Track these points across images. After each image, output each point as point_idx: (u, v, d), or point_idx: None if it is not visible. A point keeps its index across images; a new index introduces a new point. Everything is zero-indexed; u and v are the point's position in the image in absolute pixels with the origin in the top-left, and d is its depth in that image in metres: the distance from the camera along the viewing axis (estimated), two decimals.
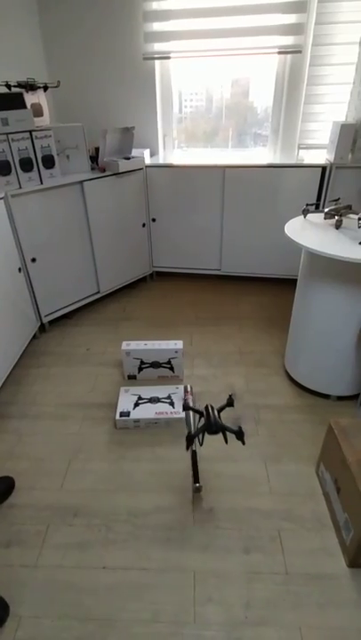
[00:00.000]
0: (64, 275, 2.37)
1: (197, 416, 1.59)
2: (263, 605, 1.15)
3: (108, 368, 2.12)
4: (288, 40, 2.36)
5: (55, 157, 2.08)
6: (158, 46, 2.51)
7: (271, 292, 2.81)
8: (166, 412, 1.74)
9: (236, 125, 2.86)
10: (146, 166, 2.55)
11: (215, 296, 2.79)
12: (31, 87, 2.18)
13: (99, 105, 2.77)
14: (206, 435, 1.39)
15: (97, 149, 2.37)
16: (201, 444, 1.61)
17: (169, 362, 1.97)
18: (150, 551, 1.29)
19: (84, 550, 1.30)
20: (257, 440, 1.67)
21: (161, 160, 2.66)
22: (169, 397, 1.82)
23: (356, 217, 1.75)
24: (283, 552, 1.28)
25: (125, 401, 1.81)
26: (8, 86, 2.11)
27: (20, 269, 2.09)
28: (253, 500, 1.44)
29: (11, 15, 2.32)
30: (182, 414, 1.73)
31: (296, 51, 2.39)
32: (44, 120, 2.32)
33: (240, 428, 1.40)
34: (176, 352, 1.93)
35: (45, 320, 2.38)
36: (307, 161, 2.44)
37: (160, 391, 1.86)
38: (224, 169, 2.46)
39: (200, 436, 1.43)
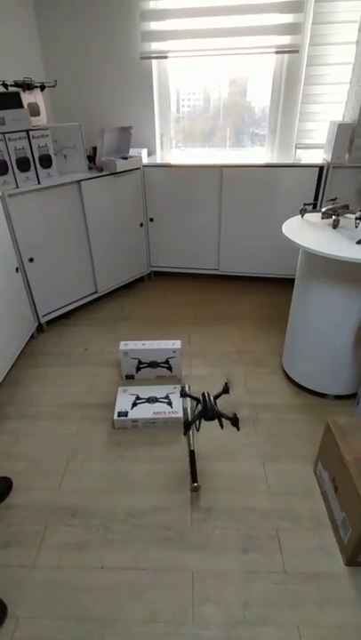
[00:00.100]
0: (62, 275, 2.36)
1: (195, 403, 1.62)
2: (262, 605, 1.15)
3: (105, 368, 2.12)
4: (285, 40, 2.36)
5: (52, 157, 2.08)
6: (155, 46, 2.51)
7: (269, 291, 2.82)
8: (164, 412, 1.74)
9: (234, 125, 2.86)
10: (143, 166, 2.55)
11: (213, 296, 2.79)
12: (28, 86, 2.18)
13: (96, 104, 2.77)
14: (204, 432, 1.40)
15: (94, 149, 2.37)
16: (198, 430, 1.66)
17: (167, 362, 1.97)
18: (148, 551, 1.29)
19: (83, 550, 1.30)
20: (255, 439, 1.68)
21: (158, 160, 2.66)
22: (167, 397, 1.82)
23: (353, 216, 1.75)
24: (281, 551, 1.28)
25: (123, 401, 1.81)
26: (5, 85, 2.11)
27: (17, 269, 2.09)
28: (251, 499, 1.44)
29: (7, 14, 2.31)
30: (180, 414, 1.73)
31: (293, 50, 2.39)
32: (41, 119, 2.32)
33: (235, 414, 1.46)
34: (174, 352, 1.93)
35: (43, 320, 2.37)
36: (304, 160, 2.44)
37: (158, 391, 1.86)
38: (222, 168, 2.46)
39: (197, 422, 1.48)
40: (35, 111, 2.24)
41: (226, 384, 1.61)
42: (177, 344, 1.93)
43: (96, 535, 1.34)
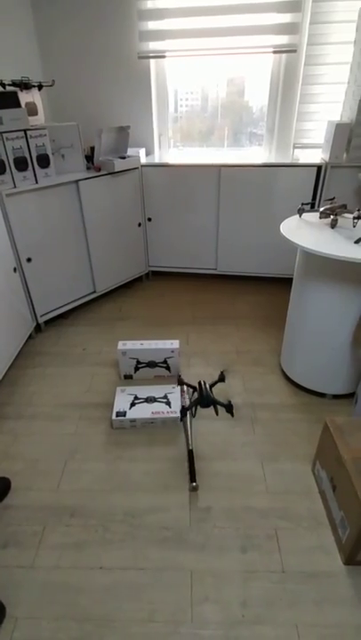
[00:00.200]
0: (60, 274, 2.36)
1: (191, 390, 1.71)
2: (260, 604, 1.15)
3: (104, 368, 2.12)
4: (283, 39, 2.36)
5: (50, 157, 2.07)
6: (153, 45, 2.50)
7: (268, 291, 2.82)
8: (163, 412, 1.74)
9: (232, 124, 2.86)
10: (141, 165, 2.55)
11: (212, 295, 2.79)
12: (25, 86, 2.17)
13: (94, 104, 2.77)
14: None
15: (92, 148, 2.36)
16: (194, 416, 1.73)
17: (165, 361, 1.97)
18: (147, 551, 1.29)
19: (81, 550, 1.29)
20: (253, 439, 1.68)
21: (157, 159, 2.66)
22: (165, 397, 1.82)
23: (351, 216, 1.75)
24: (279, 550, 1.28)
25: (122, 401, 1.81)
26: (2, 85, 2.10)
27: (15, 269, 2.08)
28: (250, 498, 1.44)
29: (5, 13, 2.31)
30: (179, 414, 1.73)
31: (291, 50, 2.39)
32: (39, 119, 2.31)
33: (229, 401, 1.53)
34: (172, 351, 1.93)
35: (41, 320, 2.37)
36: (302, 160, 2.45)
37: (156, 391, 1.86)
38: (220, 168, 2.46)
39: (193, 408, 1.55)
40: (32, 111, 2.23)
41: (222, 372, 1.67)
42: (175, 344, 1.93)
43: (95, 535, 1.34)
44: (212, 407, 1.51)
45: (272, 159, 2.55)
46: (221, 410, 1.81)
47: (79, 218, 2.33)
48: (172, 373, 2.01)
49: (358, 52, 2.17)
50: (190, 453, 1.59)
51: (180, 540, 1.32)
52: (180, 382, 1.75)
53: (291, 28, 2.32)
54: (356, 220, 1.66)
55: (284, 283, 2.64)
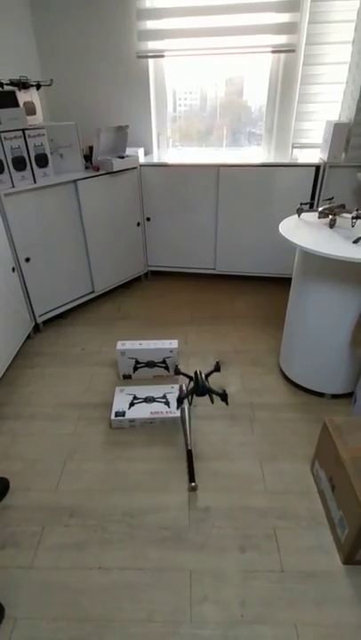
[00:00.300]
0: (58, 274, 2.36)
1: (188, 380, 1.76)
2: (259, 603, 1.15)
3: (102, 368, 2.11)
4: (282, 39, 2.36)
5: (48, 156, 2.07)
6: (152, 44, 2.50)
7: (266, 290, 2.82)
8: (161, 412, 1.74)
9: (231, 124, 2.86)
10: (140, 165, 2.54)
11: (210, 295, 2.79)
12: (24, 85, 2.16)
13: (92, 103, 2.76)
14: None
15: (91, 148, 2.36)
16: (190, 404, 1.78)
17: (164, 361, 1.97)
18: (146, 551, 1.29)
19: (80, 551, 1.29)
20: (252, 439, 1.68)
21: (155, 159, 2.66)
22: (164, 397, 1.82)
23: (349, 216, 1.75)
24: (278, 550, 1.28)
25: (121, 401, 1.81)
26: (0, 84, 2.09)
27: (13, 269, 2.08)
28: (249, 498, 1.44)
29: (3, 13, 2.30)
30: (178, 413, 1.73)
31: (290, 50, 2.39)
32: (37, 118, 2.31)
33: (224, 390, 1.59)
34: (171, 351, 1.93)
35: (40, 320, 2.36)
36: (301, 160, 2.45)
37: (155, 391, 1.86)
38: (218, 168, 2.46)
39: (189, 397, 1.61)
40: (31, 110, 2.23)
41: (217, 362, 1.71)
42: (174, 344, 1.93)
43: (94, 535, 1.33)
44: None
45: (271, 159, 2.55)
46: (220, 409, 1.82)
47: (78, 217, 2.33)
48: (171, 373, 2.01)
49: (357, 52, 2.17)
50: (189, 453, 1.59)
51: (179, 539, 1.32)
52: (177, 372, 1.81)
53: (289, 28, 2.32)
54: (354, 220, 1.67)
55: (283, 282, 2.65)
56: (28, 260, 2.16)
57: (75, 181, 2.22)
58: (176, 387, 1.89)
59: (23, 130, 1.93)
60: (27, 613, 1.14)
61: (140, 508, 1.41)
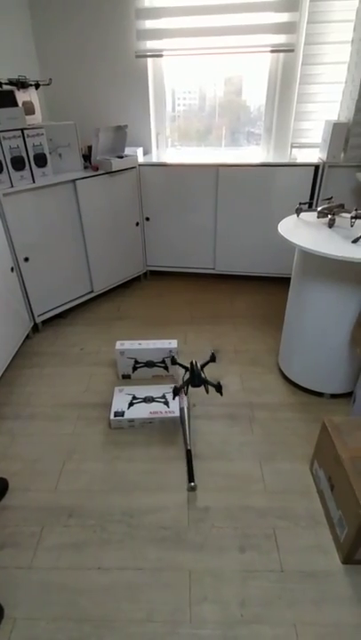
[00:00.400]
0: (57, 274, 2.35)
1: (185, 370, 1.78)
2: (259, 603, 1.15)
3: (102, 368, 2.11)
4: (280, 39, 2.36)
5: (47, 156, 2.06)
6: (151, 44, 2.50)
7: (266, 290, 2.82)
8: (161, 412, 1.74)
9: (230, 124, 2.86)
10: (139, 165, 2.54)
11: (210, 295, 2.79)
12: (22, 85, 2.16)
13: (91, 103, 2.76)
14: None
15: (90, 148, 2.36)
16: (186, 394, 1.82)
17: (163, 361, 1.97)
18: (146, 551, 1.29)
19: (79, 551, 1.29)
20: (251, 438, 1.68)
21: (154, 159, 2.65)
22: (163, 397, 1.82)
23: (348, 216, 1.76)
24: (278, 550, 1.28)
25: (120, 401, 1.81)
26: None
27: (12, 269, 2.08)
28: (248, 498, 1.44)
29: (2, 12, 2.29)
30: (177, 413, 1.73)
31: (289, 49, 2.39)
32: (36, 118, 2.30)
33: (219, 382, 1.62)
34: (170, 351, 1.93)
35: (39, 320, 2.36)
36: (300, 160, 2.45)
37: (154, 390, 1.86)
38: (217, 168, 2.46)
39: (185, 387, 1.65)
40: (29, 110, 2.23)
41: (212, 353, 1.73)
42: (173, 343, 1.93)
43: (93, 536, 1.33)
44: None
45: (270, 159, 2.55)
46: (219, 409, 1.82)
47: (77, 217, 2.33)
48: (170, 373, 2.01)
49: (356, 52, 2.17)
50: (188, 453, 1.59)
51: (179, 539, 1.32)
52: (174, 362, 1.84)
53: (288, 28, 2.32)
54: (353, 220, 1.67)
55: (283, 282, 2.64)
56: (27, 259, 2.15)
57: (74, 181, 2.22)
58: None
59: (22, 129, 1.93)
60: (26, 614, 1.14)
61: (140, 508, 1.41)
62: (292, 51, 2.39)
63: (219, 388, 1.61)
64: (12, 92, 2.04)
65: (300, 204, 1.86)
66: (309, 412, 1.80)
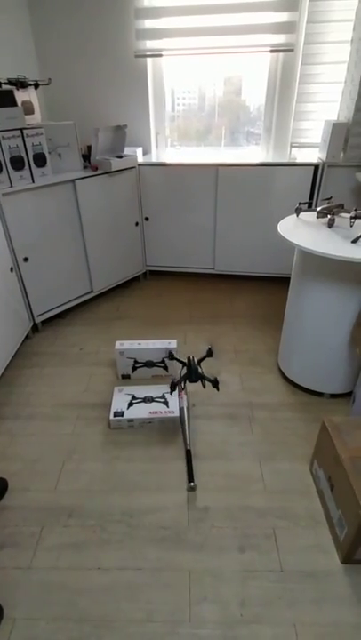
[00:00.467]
0: (57, 274, 2.35)
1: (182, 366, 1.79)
2: (258, 603, 1.15)
3: (101, 368, 2.11)
4: (280, 38, 2.36)
5: (47, 156, 2.06)
6: (150, 44, 2.50)
7: (265, 290, 2.82)
8: (160, 412, 1.74)
9: (229, 124, 2.86)
10: (138, 165, 2.54)
11: (209, 295, 2.79)
12: (22, 84, 2.16)
13: (90, 103, 2.76)
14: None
15: (89, 148, 2.36)
16: (183, 389, 1.83)
17: (163, 361, 1.97)
18: (145, 551, 1.29)
19: (79, 551, 1.29)
20: (251, 438, 1.68)
21: (154, 159, 2.65)
22: (163, 397, 1.82)
23: (348, 215, 1.76)
24: (277, 550, 1.28)
25: (119, 401, 1.81)
26: None
27: (11, 269, 2.07)
28: (248, 498, 1.44)
29: (1, 11, 2.29)
30: (177, 413, 1.73)
31: (288, 49, 2.39)
32: (35, 118, 2.30)
33: (215, 378, 1.65)
34: (170, 351, 1.93)
35: (38, 320, 2.36)
36: (299, 159, 2.45)
37: (154, 390, 1.86)
38: (217, 167, 2.46)
39: (182, 382, 1.67)
40: (29, 109, 2.22)
41: (209, 348, 1.74)
42: (173, 343, 1.93)
43: (92, 536, 1.33)
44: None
45: (269, 158, 2.55)
46: (219, 409, 1.82)
47: (76, 217, 2.32)
48: (169, 373, 2.01)
49: (355, 51, 2.17)
50: (188, 453, 1.59)
51: (179, 539, 1.32)
52: (171, 357, 1.84)
53: (288, 27, 2.32)
54: (353, 220, 1.66)
55: (282, 282, 2.64)
56: (26, 259, 2.15)
57: (73, 181, 2.21)
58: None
59: (21, 129, 1.93)
60: (26, 614, 1.14)
61: (139, 508, 1.41)
62: (291, 50, 2.39)
63: (215, 384, 1.63)
64: (11, 92, 2.04)
65: (299, 203, 1.86)
66: (309, 411, 1.80)
